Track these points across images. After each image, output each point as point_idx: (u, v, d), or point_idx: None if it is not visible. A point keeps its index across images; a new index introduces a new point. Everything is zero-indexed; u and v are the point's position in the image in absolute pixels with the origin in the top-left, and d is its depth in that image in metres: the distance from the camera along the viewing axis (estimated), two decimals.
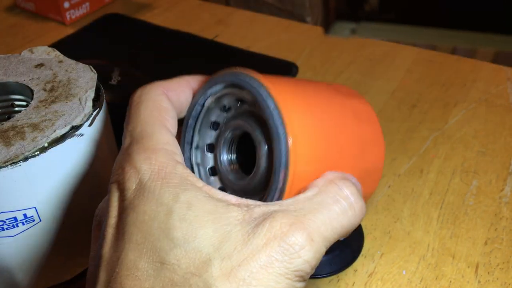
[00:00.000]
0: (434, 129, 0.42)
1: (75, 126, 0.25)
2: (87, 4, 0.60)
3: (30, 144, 0.24)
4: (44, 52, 0.32)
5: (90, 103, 0.27)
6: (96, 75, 0.29)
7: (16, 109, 0.30)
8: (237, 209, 0.18)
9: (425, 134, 0.41)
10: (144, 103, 0.22)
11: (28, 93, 0.29)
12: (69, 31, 0.57)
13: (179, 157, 0.20)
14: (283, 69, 0.49)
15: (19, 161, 0.23)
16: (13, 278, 0.28)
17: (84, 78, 0.29)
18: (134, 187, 0.19)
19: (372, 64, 0.50)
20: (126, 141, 0.21)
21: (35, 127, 0.25)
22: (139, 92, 0.23)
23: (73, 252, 0.28)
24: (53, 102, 0.27)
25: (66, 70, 0.30)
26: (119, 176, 0.20)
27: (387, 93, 0.46)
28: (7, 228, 0.25)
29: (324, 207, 0.19)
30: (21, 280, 0.28)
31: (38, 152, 0.24)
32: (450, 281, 0.30)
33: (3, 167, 0.23)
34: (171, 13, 0.61)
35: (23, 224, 0.25)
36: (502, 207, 0.35)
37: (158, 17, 0.60)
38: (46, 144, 0.24)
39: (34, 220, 0.25)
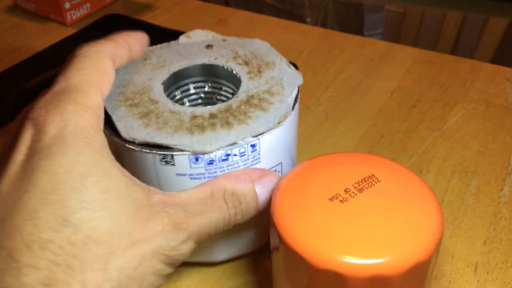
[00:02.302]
0: (434, 129, 0.42)
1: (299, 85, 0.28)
2: (88, 4, 0.60)
3: (283, 107, 0.26)
4: (201, 35, 0.32)
5: (292, 66, 0.30)
6: (266, 43, 0.32)
7: (222, 92, 0.31)
8: (141, 191, 0.20)
9: (424, 134, 0.41)
10: (90, 61, 0.22)
11: (226, 72, 0.30)
12: (70, 31, 0.57)
13: (102, 125, 0.21)
14: None
15: (282, 122, 0.26)
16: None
17: (261, 48, 0.31)
18: (53, 133, 0.18)
19: (372, 64, 0.50)
20: (59, 85, 0.21)
21: (270, 93, 0.27)
22: (87, 48, 0.23)
23: None
24: (259, 71, 0.29)
25: (239, 45, 0.31)
26: (41, 116, 0.19)
27: (387, 93, 0.46)
28: None
29: (209, 213, 0.22)
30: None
31: (290, 113, 0.26)
32: (450, 281, 0.30)
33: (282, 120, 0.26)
34: (172, 13, 0.61)
35: None
36: (501, 207, 0.35)
37: (159, 18, 0.60)
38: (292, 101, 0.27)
39: None
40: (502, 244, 0.32)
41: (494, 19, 0.89)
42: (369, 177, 0.24)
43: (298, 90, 0.28)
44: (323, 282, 0.21)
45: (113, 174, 0.19)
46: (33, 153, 0.18)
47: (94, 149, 0.19)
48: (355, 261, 0.20)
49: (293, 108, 0.27)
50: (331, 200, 0.22)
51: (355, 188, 0.23)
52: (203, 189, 0.22)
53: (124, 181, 0.19)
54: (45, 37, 0.57)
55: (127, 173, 0.20)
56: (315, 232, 0.21)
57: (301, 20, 0.98)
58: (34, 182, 0.17)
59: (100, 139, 0.19)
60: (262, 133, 0.25)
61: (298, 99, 0.28)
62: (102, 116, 0.21)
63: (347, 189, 0.23)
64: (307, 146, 0.41)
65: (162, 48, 0.32)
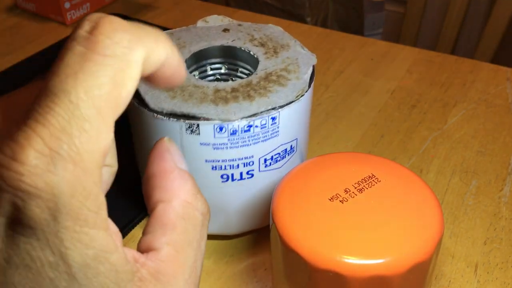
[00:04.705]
0: (434, 129, 0.42)
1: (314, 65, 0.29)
2: (88, 4, 0.60)
3: (301, 83, 0.28)
4: (218, 20, 0.34)
5: (306, 48, 0.31)
6: (279, 28, 0.33)
7: (238, 73, 0.32)
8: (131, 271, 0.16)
9: (424, 134, 0.41)
10: None
11: (244, 53, 0.31)
12: (70, 31, 0.57)
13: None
14: None
15: (299, 96, 0.27)
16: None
17: (275, 32, 0.32)
18: (44, 218, 0.12)
19: (372, 64, 0.50)
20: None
21: (287, 71, 0.28)
22: None
23: None
24: (276, 52, 0.30)
25: (254, 30, 0.33)
26: (14, 181, 0.12)
27: (387, 93, 0.46)
28: (278, 160, 0.28)
29: (186, 263, 0.18)
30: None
31: (306, 89, 0.28)
32: (450, 281, 0.30)
33: (295, 100, 0.27)
34: (172, 13, 0.61)
35: (288, 154, 0.29)
36: (501, 207, 0.35)
37: (159, 18, 0.60)
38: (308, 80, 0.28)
39: (293, 151, 0.29)
40: (502, 244, 0.32)
41: (494, 19, 0.89)
42: (369, 177, 0.24)
43: (313, 69, 0.29)
44: (323, 282, 0.21)
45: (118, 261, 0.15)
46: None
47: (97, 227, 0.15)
48: (355, 261, 0.20)
49: (309, 85, 0.28)
50: (331, 200, 0.22)
51: (355, 188, 0.23)
52: (166, 248, 0.18)
53: (124, 260, 0.16)
54: (45, 37, 0.57)
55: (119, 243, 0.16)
56: (315, 232, 0.21)
57: (301, 20, 0.98)
58: None
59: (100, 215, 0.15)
60: (282, 105, 0.26)
61: (314, 78, 0.29)
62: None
63: (347, 189, 0.23)
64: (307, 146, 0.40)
65: (181, 31, 0.33)
